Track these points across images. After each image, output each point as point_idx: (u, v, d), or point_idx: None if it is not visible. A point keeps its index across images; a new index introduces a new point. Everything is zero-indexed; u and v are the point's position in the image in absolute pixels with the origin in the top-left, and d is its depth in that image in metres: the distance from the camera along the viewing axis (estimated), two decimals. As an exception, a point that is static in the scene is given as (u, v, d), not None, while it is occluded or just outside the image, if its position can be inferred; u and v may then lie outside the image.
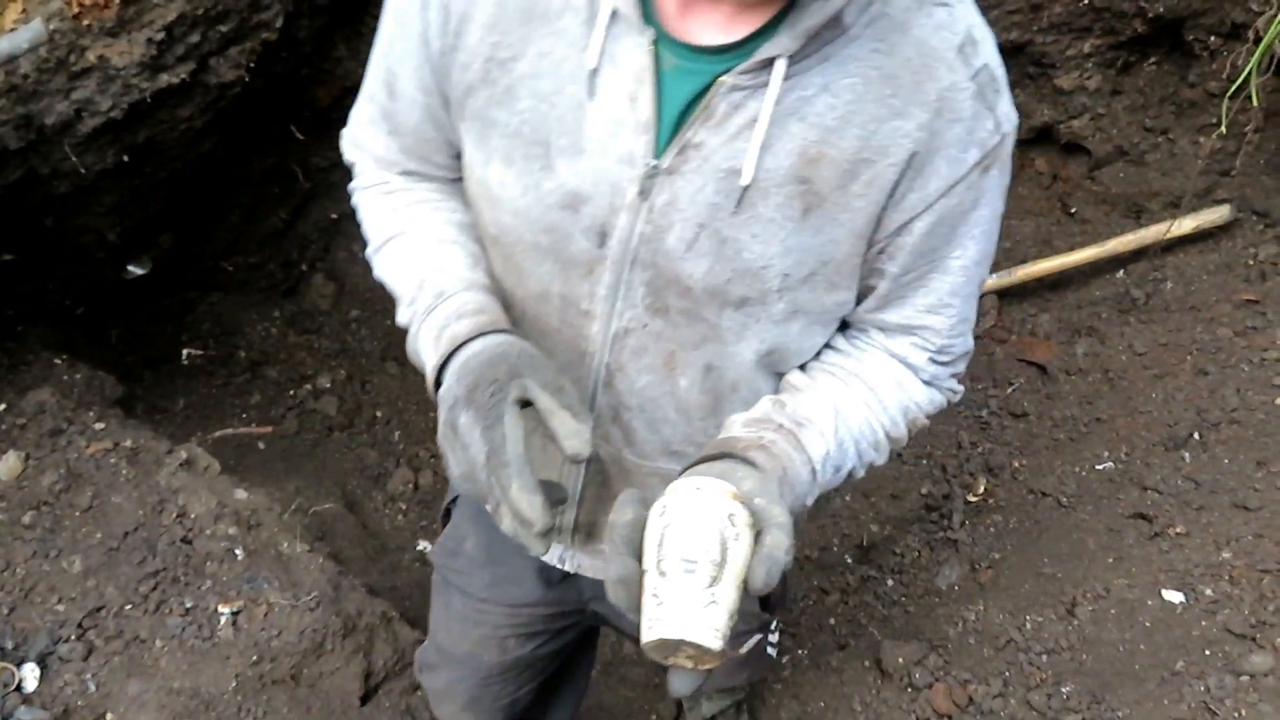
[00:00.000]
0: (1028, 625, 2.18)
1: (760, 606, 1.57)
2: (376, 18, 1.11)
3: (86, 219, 2.91)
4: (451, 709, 1.73)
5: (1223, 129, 2.74)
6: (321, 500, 2.93)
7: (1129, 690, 1.93)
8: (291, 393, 3.49)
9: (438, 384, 1.02)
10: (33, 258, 2.90)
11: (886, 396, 1.09)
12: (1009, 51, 3.14)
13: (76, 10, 2.20)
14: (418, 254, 1.11)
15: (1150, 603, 2.09)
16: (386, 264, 1.15)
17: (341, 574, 2.40)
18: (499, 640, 1.57)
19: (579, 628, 1.63)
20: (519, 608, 1.51)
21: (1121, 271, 3.18)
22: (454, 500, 1.55)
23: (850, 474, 1.10)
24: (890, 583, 2.63)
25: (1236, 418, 2.46)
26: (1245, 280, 2.89)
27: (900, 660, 2.20)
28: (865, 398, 1.08)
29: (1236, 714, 1.79)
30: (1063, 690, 1.99)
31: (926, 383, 1.12)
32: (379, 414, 3.47)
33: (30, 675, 1.97)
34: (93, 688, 1.98)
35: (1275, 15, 2.49)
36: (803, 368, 1.12)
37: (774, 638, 1.84)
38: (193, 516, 2.30)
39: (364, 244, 1.20)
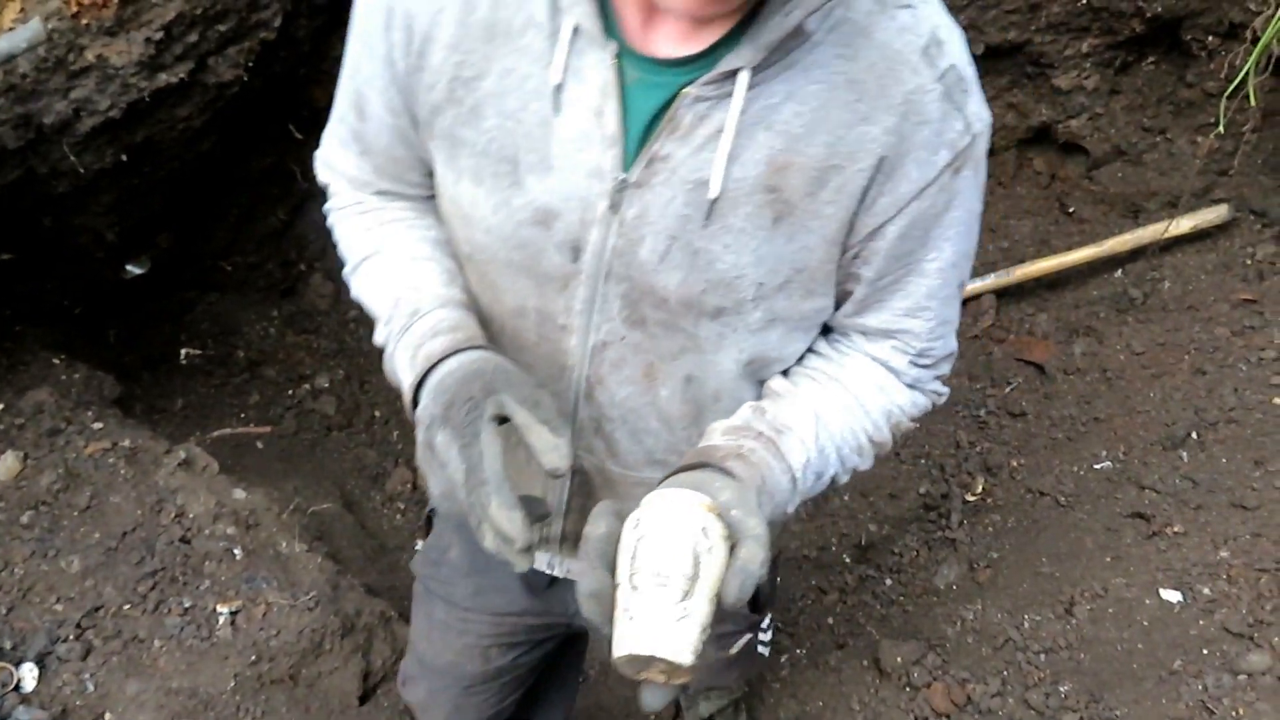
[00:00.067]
0: (1026, 624, 2.18)
1: (749, 608, 1.56)
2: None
3: (85, 218, 2.91)
4: (436, 716, 1.72)
5: (1220, 129, 2.74)
6: (320, 500, 2.93)
7: (1127, 689, 1.93)
8: (290, 392, 3.49)
9: (415, 403, 1.01)
10: (31, 257, 2.90)
11: (869, 401, 1.09)
12: (1007, 51, 3.14)
13: (75, 10, 2.20)
14: (393, 272, 1.10)
15: (1148, 602, 2.09)
16: (363, 284, 1.15)
17: (340, 574, 2.41)
18: (482, 650, 1.56)
19: (560, 637, 1.62)
20: (503, 616, 1.50)
21: (1119, 271, 3.19)
22: (435, 509, 1.55)
23: (833, 480, 1.10)
24: (888, 582, 2.63)
25: (1234, 417, 2.46)
26: (1243, 280, 2.89)
27: (898, 659, 2.20)
28: (847, 402, 1.08)
29: (1234, 713, 1.79)
30: (1061, 689, 1.99)
31: (909, 386, 1.11)
32: (377, 414, 3.48)
33: (29, 675, 1.97)
34: (91, 688, 1.98)
35: (1273, 15, 2.49)
36: (785, 373, 1.11)
37: (766, 636, 1.83)
38: (191, 516, 2.30)
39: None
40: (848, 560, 2.75)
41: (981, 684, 2.07)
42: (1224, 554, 2.11)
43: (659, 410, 1.12)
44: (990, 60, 3.19)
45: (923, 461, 2.94)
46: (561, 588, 1.41)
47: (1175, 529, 2.23)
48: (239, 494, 2.44)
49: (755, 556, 0.84)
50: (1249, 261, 2.93)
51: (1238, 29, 2.77)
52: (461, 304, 1.08)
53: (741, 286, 0.98)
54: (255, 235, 3.60)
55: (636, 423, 1.14)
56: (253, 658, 2.10)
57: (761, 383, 1.11)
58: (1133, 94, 3.19)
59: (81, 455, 2.38)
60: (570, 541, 1.31)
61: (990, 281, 3.28)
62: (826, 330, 1.12)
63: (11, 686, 1.94)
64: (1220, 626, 1.97)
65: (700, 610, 0.81)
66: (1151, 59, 3.11)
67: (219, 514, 2.33)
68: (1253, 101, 2.59)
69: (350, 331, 3.72)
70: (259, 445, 3.30)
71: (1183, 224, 3.00)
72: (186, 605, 2.15)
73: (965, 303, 3.32)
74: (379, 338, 1.10)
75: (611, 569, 0.85)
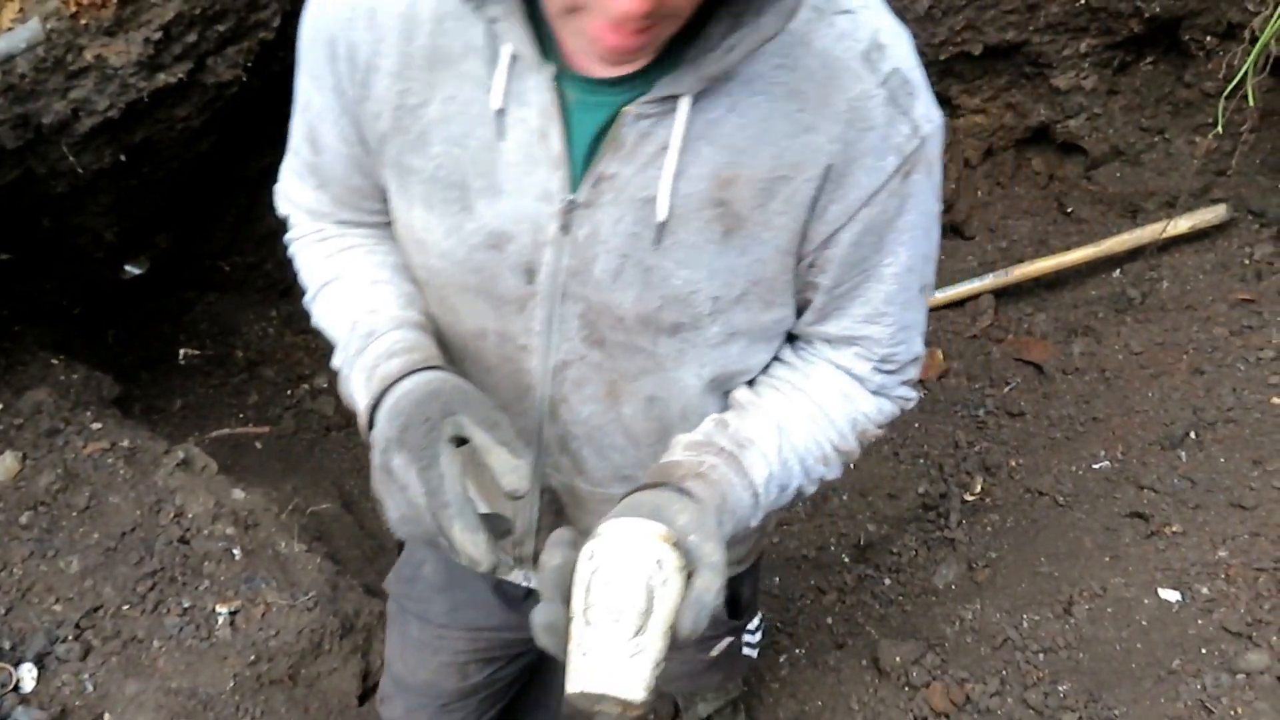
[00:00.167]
0: (1025, 624, 2.19)
1: (728, 613, 1.55)
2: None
3: (84, 219, 2.91)
4: None
5: (1219, 129, 2.74)
6: (319, 500, 2.93)
7: (1126, 689, 1.93)
8: (289, 392, 3.49)
9: (371, 425, 0.99)
10: (30, 258, 2.90)
11: (833, 410, 1.08)
12: (1005, 51, 3.15)
13: (74, 10, 2.20)
14: (350, 297, 1.09)
15: (1147, 601, 2.09)
16: (322, 310, 1.14)
17: (339, 574, 2.41)
18: (459, 666, 1.55)
19: (538, 649, 1.62)
20: (480, 631, 1.50)
21: (1118, 271, 3.19)
22: None
23: (799, 490, 1.09)
24: (887, 582, 2.63)
25: (1232, 417, 2.46)
26: (1241, 280, 2.90)
27: (897, 659, 2.20)
28: (811, 412, 1.07)
29: (1233, 712, 1.79)
30: (1060, 689, 1.99)
31: (874, 393, 1.10)
32: (376, 414, 3.47)
33: (28, 676, 1.97)
34: (90, 688, 1.98)
35: (1271, 15, 2.50)
36: (751, 382, 1.11)
37: (754, 638, 1.82)
38: (190, 516, 2.30)
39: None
40: (846, 560, 2.75)
41: (980, 683, 2.07)
42: (1222, 553, 2.11)
43: (624, 428, 1.12)
44: (989, 60, 3.19)
45: (921, 461, 2.94)
46: (537, 600, 1.41)
47: (1174, 528, 2.23)
48: (238, 494, 2.44)
49: (711, 586, 0.84)
50: (1247, 261, 2.94)
51: (1236, 29, 2.77)
52: (418, 325, 1.06)
53: (697, 302, 0.98)
54: (254, 235, 3.60)
55: (602, 440, 1.13)
56: (252, 658, 2.10)
57: (726, 396, 1.10)
58: (1131, 94, 3.19)
59: (80, 455, 2.38)
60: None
61: (989, 281, 3.28)
62: (792, 338, 1.12)
63: (11, 687, 1.94)
64: (1219, 626, 1.97)
65: (653, 646, 0.81)
66: (1150, 59, 3.12)
67: (218, 514, 2.33)
68: (1251, 101, 2.59)
69: (349, 332, 3.71)
70: (258, 445, 3.30)
71: (1181, 224, 3.01)
72: (185, 605, 2.15)
73: (963, 303, 3.33)
74: (336, 362, 1.09)
75: (567, 600, 0.84)
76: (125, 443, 2.43)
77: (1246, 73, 2.52)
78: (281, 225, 1.24)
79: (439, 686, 1.59)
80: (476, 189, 0.97)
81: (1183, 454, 2.45)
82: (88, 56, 2.29)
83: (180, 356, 3.52)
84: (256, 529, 2.37)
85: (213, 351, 3.59)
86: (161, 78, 2.43)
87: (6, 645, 1.99)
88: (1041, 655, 2.10)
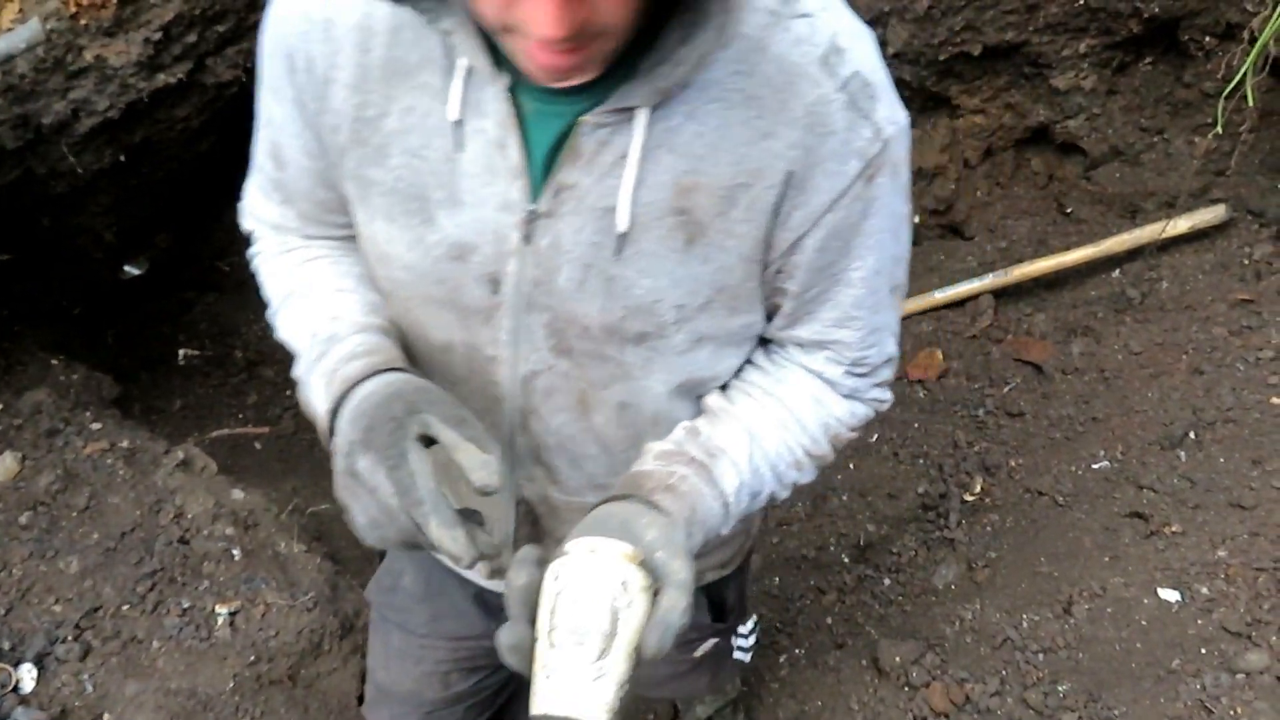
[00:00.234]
0: (1024, 624, 2.19)
1: (712, 616, 1.54)
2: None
3: (83, 219, 2.91)
4: None
5: (1218, 129, 2.75)
6: (319, 500, 2.93)
7: (1125, 689, 1.94)
8: (288, 393, 3.49)
9: (332, 432, 0.97)
10: (29, 258, 2.90)
11: (805, 415, 1.08)
12: (1005, 52, 3.15)
13: (74, 10, 2.20)
14: (314, 307, 1.09)
15: (1146, 601, 2.09)
16: (285, 322, 1.12)
17: (339, 574, 2.41)
18: (441, 676, 1.54)
19: None
20: (461, 641, 1.49)
21: (1117, 271, 3.19)
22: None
23: (772, 495, 1.10)
24: (887, 582, 2.63)
25: (1232, 417, 2.47)
26: (1240, 280, 2.90)
27: (897, 659, 2.20)
28: (782, 418, 1.07)
29: (1232, 712, 1.80)
30: (1059, 689, 1.99)
31: (847, 396, 1.10)
32: (376, 414, 3.47)
33: (27, 676, 1.97)
34: (90, 688, 1.98)
35: (1270, 15, 2.50)
36: (724, 387, 1.11)
37: (746, 642, 1.80)
38: (190, 517, 2.30)
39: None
40: (846, 560, 2.75)
41: (980, 683, 2.07)
42: (1222, 553, 2.11)
43: (596, 436, 1.11)
44: (988, 61, 3.19)
45: (921, 461, 2.95)
46: None
47: (1173, 528, 2.23)
48: (237, 494, 2.44)
49: (677, 605, 0.83)
50: (1246, 261, 2.94)
51: (1235, 29, 2.78)
52: (381, 330, 1.05)
53: (661, 311, 0.97)
54: (253, 236, 3.59)
55: (575, 449, 1.13)
56: (252, 658, 2.10)
57: (699, 400, 1.10)
58: (1130, 94, 3.19)
59: (80, 456, 2.38)
60: None
61: (988, 281, 3.28)
62: (765, 341, 1.11)
63: (10, 687, 1.94)
64: (1218, 626, 1.97)
65: (617, 668, 0.81)
66: (1149, 59, 3.12)
67: (218, 514, 2.33)
68: (1250, 102, 2.60)
69: (349, 332, 3.71)
70: (257, 445, 3.30)
71: (1180, 224, 3.01)
72: (185, 606, 2.15)
73: (963, 303, 3.33)
74: (296, 370, 1.07)
75: (533, 620, 0.84)
76: (125, 443, 2.43)
77: (1246, 73, 2.52)
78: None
79: (422, 695, 1.58)
80: (437, 200, 0.96)
81: (1182, 454, 2.45)
82: (87, 57, 2.29)
83: (180, 357, 3.52)
84: (256, 529, 2.37)
85: (212, 352, 3.59)
86: (161, 78, 2.43)
87: (6, 646, 1.99)
88: (1041, 655, 2.10)
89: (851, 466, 3.00)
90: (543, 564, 0.87)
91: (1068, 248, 3.24)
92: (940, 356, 3.23)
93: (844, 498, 2.91)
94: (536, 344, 1.03)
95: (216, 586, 2.20)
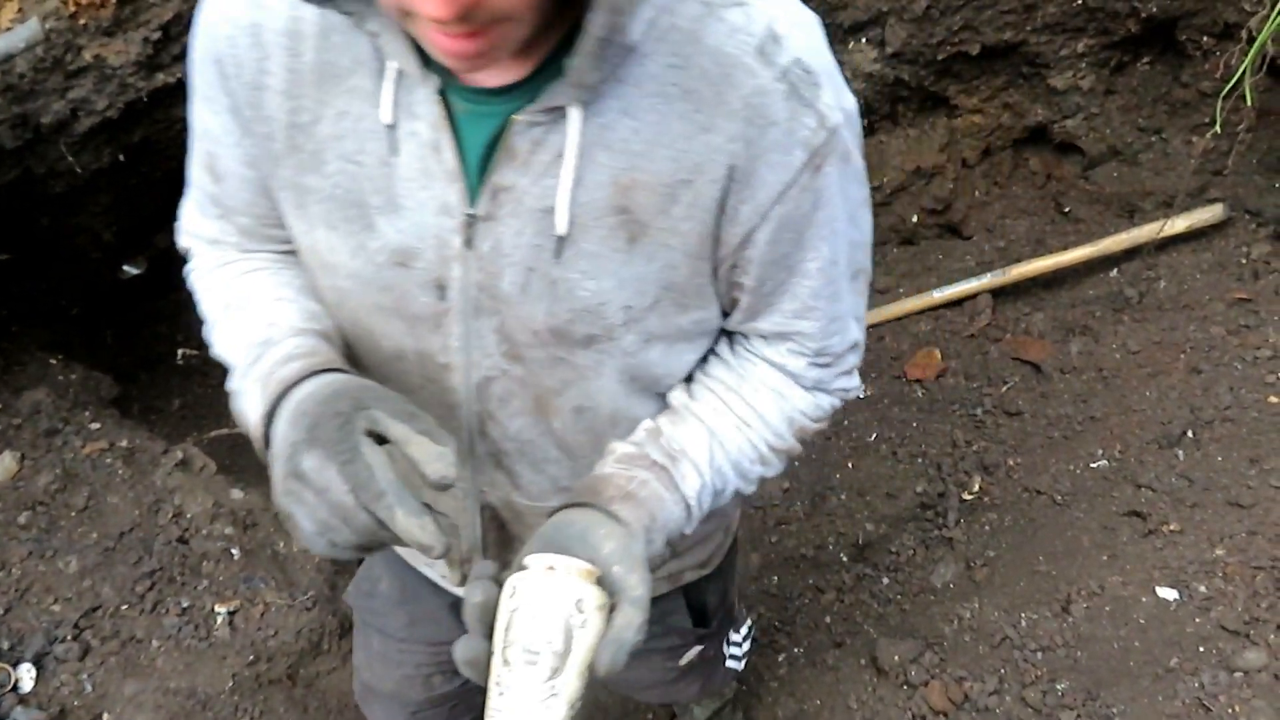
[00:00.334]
0: (1023, 623, 2.19)
1: (693, 620, 1.52)
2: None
3: (82, 219, 2.91)
4: None
5: (1216, 128, 2.75)
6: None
7: (1123, 687, 1.94)
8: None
9: (268, 439, 0.92)
10: (28, 258, 2.90)
11: (768, 410, 1.07)
12: (1003, 51, 3.15)
13: (73, 9, 2.20)
14: (250, 317, 1.03)
15: (1144, 600, 2.10)
16: (221, 337, 1.07)
17: (338, 573, 2.41)
18: (423, 678, 1.54)
19: None
20: (440, 645, 1.48)
21: (1115, 270, 3.19)
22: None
23: (737, 491, 1.09)
24: (886, 581, 2.64)
25: (1230, 416, 2.47)
26: (1238, 279, 2.90)
27: (896, 658, 2.20)
28: (745, 415, 1.06)
29: (1230, 710, 1.80)
30: (1058, 687, 1.99)
31: (812, 388, 1.09)
32: (375, 414, 3.47)
33: (26, 676, 1.97)
34: (89, 688, 1.98)
35: (1268, 15, 2.50)
36: (690, 379, 1.09)
37: (739, 650, 1.79)
38: (189, 516, 2.30)
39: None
40: (845, 559, 2.75)
41: (979, 682, 2.08)
42: (1220, 552, 2.11)
43: (556, 440, 1.09)
44: (986, 60, 3.20)
45: (919, 460, 2.95)
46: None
47: (1171, 527, 2.23)
48: (236, 494, 2.44)
49: (632, 622, 0.83)
50: (1244, 261, 2.94)
51: (1233, 29, 2.78)
52: (319, 334, 1.01)
53: (608, 313, 0.95)
54: (252, 235, 3.59)
55: (535, 454, 1.11)
56: (251, 657, 2.10)
57: (660, 395, 1.09)
58: (1128, 94, 3.20)
59: (79, 455, 2.38)
60: None
61: (986, 281, 3.29)
62: (731, 334, 1.10)
63: (9, 687, 1.94)
64: (1216, 624, 1.97)
65: (569, 687, 0.81)
66: (1147, 59, 3.12)
67: (217, 514, 2.33)
68: (1248, 101, 2.60)
69: (347, 332, 3.71)
70: (256, 445, 3.30)
71: (1178, 223, 3.01)
72: (184, 605, 2.15)
73: (961, 302, 3.33)
74: (230, 383, 1.02)
75: (490, 635, 0.84)
76: (124, 443, 2.44)
77: (1244, 73, 2.53)
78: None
79: (406, 696, 1.59)
80: (375, 206, 0.94)
81: (1180, 453, 2.45)
82: (87, 56, 2.29)
83: (179, 356, 3.52)
84: (255, 529, 2.37)
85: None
86: (160, 78, 2.43)
87: (5, 645, 1.99)
88: (1040, 654, 2.10)
89: (850, 466, 3.00)
90: (499, 580, 0.86)
91: (1066, 247, 3.24)
92: (939, 356, 3.24)
93: (842, 497, 2.92)
94: (488, 350, 1.01)
95: (216, 586, 2.20)
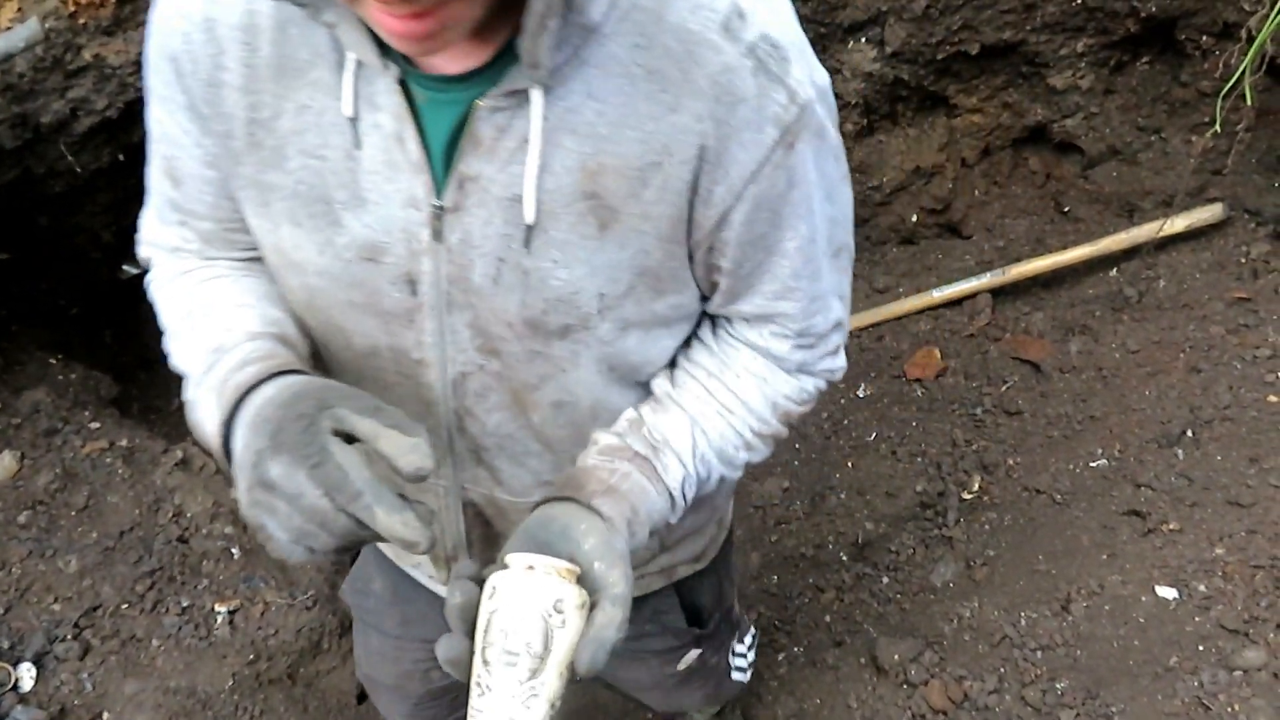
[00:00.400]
0: (1022, 622, 2.19)
1: (687, 620, 1.50)
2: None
3: (82, 218, 2.91)
4: None
5: (1216, 128, 2.75)
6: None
7: (1123, 686, 1.94)
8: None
9: (227, 449, 0.88)
10: (28, 257, 2.90)
11: (751, 396, 1.06)
12: (1002, 51, 3.15)
13: (72, 9, 2.20)
14: (208, 324, 1.00)
15: (1144, 599, 2.10)
16: (179, 347, 1.03)
17: (338, 572, 2.41)
18: (421, 673, 1.55)
19: None
20: (434, 643, 1.49)
21: (1114, 270, 3.20)
22: None
23: (722, 478, 1.08)
24: (885, 580, 2.64)
25: (1229, 415, 2.47)
26: (1237, 278, 2.90)
27: (896, 657, 2.20)
28: (728, 402, 1.05)
29: (1229, 709, 1.80)
30: (1057, 686, 1.99)
31: (795, 371, 1.07)
32: (374, 413, 3.47)
33: (26, 675, 1.97)
34: (89, 687, 1.98)
35: (1268, 14, 2.50)
36: (673, 365, 1.08)
37: (743, 661, 1.76)
38: (189, 516, 2.30)
39: None
40: (844, 558, 2.75)
41: (979, 681, 2.08)
42: (1219, 551, 2.11)
43: (536, 435, 1.08)
44: (986, 60, 3.20)
45: (919, 460, 2.95)
46: None
47: (1171, 526, 2.24)
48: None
49: (612, 621, 0.83)
50: (1243, 260, 2.94)
51: (1232, 28, 2.78)
52: (276, 338, 0.97)
53: (582, 301, 0.93)
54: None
55: (515, 448, 1.09)
56: (251, 657, 2.10)
57: (640, 384, 1.07)
58: (1127, 93, 3.20)
59: (79, 455, 2.38)
60: None
61: (986, 280, 3.29)
62: (714, 318, 1.08)
63: (9, 686, 1.94)
64: (1216, 623, 1.97)
65: (549, 686, 0.81)
66: (1146, 59, 3.12)
67: (216, 513, 2.33)
68: (1248, 101, 2.60)
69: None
70: (256, 445, 3.29)
71: (1177, 223, 3.01)
72: (184, 605, 2.15)
73: (961, 302, 3.33)
74: (185, 392, 0.97)
75: (472, 634, 0.84)
76: (124, 442, 2.44)
77: (1243, 72, 2.53)
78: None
79: (406, 689, 1.60)
80: (341, 201, 0.92)
81: (1180, 452, 2.45)
82: (86, 56, 2.29)
83: (178, 356, 3.52)
84: (255, 528, 2.37)
85: (211, 351, 3.58)
86: (160, 77, 2.43)
87: (5, 645, 1.99)
88: (1039, 653, 2.10)
89: (850, 465, 3.00)
90: (480, 580, 0.85)
91: (1065, 246, 3.24)
92: (938, 355, 3.24)
93: (842, 496, 2.92)
94: (462, 345, 0.99)
95: (215, 585, 2.20)
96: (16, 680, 1.95)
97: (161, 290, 1.09)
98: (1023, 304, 3.30)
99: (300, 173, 0.92)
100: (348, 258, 0.95)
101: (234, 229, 1.04)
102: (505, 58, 0.84)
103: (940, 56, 3.15)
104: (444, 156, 0.89)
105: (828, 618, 2.59)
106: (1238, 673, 1.86)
